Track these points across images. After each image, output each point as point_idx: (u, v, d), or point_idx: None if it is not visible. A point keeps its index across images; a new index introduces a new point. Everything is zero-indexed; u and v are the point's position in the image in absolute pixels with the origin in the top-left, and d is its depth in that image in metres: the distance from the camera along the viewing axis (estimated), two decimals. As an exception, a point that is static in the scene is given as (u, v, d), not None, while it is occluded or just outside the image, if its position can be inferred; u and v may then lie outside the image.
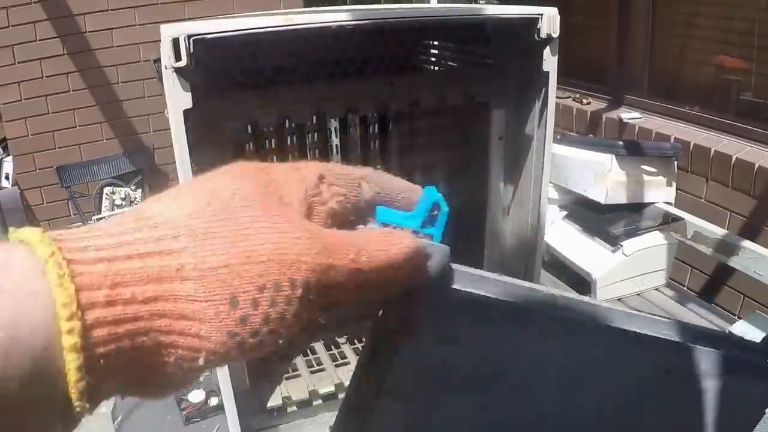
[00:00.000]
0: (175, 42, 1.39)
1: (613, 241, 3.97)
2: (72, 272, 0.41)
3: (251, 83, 2.08)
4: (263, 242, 0.48)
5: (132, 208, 0.50)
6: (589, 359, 0.69)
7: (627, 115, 4.82)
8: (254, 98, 1.83)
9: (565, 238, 4.28)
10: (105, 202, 5.59)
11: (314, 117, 2.29)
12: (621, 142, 4.32)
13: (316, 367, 2.39)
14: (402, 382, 0.65)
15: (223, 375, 1.93)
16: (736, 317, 3.87)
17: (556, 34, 1.73)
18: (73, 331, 0.39)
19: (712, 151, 4.07)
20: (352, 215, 0.61)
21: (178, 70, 1.43)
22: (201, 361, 0.46)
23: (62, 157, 5.64)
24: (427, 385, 0.69)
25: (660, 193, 4.29)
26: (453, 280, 0.62)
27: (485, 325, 0.66)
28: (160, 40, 1.44)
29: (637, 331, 0.67)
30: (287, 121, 2.36)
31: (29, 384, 0.38)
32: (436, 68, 2.51)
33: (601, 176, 4.20)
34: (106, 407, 4.00)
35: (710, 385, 0.70)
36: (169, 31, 1.40)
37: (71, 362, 0.39)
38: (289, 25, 1.50)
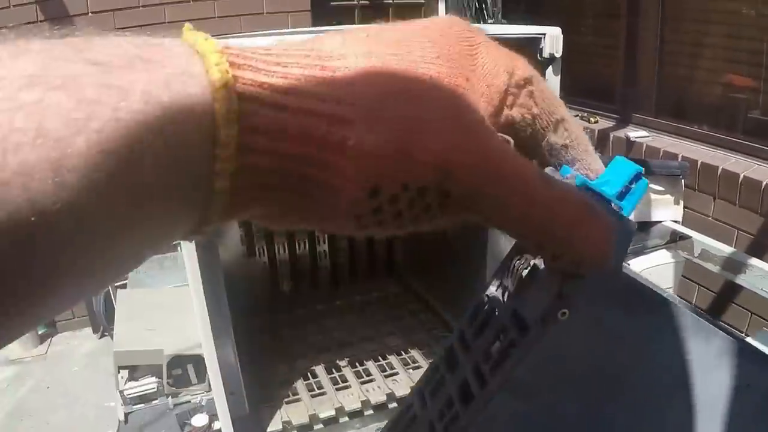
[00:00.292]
0: None
1: (621, 260, 4.00)
2: (242, 110, 0.40)
3: None
4: (431, 136, 0.44)
5: (316, 42, 0.47)
6: (700, 362, 0.66)
7: (635, 133, 4.89)
8: None
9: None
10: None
11: None
12: (628, 161, 4.35)
13: (317, 391, 2.34)
14: (532, 376, 0.58)
15: (220, 400, 1.95)
16: (744, 334, 3.92)
17: (558, 54, 1.74)
18: (224, 171, 0.40)
19: (720, 170, 4.15)
20: (523, 147, 0.55)
21: None
22: (322, 225, 0.48)
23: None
24: (559, 381, 0.62)
25: (667, 211, 4.33)
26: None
27: (638, 316, 0.63)
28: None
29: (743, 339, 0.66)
30: None
31: (175, 165, 0.38)
32: None
33: (609, 195, 4.26)
34: (109, 429, 4.09)
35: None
36: None
37: (218, 188, 0.41)
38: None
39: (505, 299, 0.62)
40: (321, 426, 2.26)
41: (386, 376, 2.38)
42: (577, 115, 5.49)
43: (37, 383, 5.19)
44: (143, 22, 5.35)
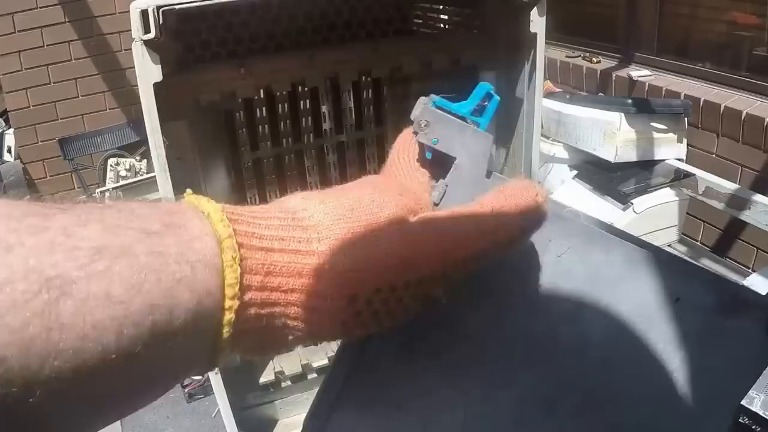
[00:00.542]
0: (144, 14, 1.39)
1: (624, 199, 4.00)
2: (241, 256, 0.51)
3: (228, 54, 2.07)
4: (390, 247, 0.58)
5: (284, 204, 0.61)
6: (605, 275, 0.72)
7: (637, 72, 4.86)
8: (231, 69, 1.84)
9: (575, 197, 4.31)
10: (109, 174, 5.60)
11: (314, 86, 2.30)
12: (630, 100, 4.36)
13: None
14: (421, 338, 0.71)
15: None
16: (750, 270, 3.93)
17: None
18: (232, 308, 0.50)
19: (722, 107, 4.13)
20: None
21: (147, 43, 1.44)
22: (313, 341, 0.60)
23: (65, 128, 5.64)
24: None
25: (670, 150, 4.34)
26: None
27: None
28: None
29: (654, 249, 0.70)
30: (300, 87, 2.40)
31: (190, 325, 0.48)
32: (422, 32, 2.49)
33: (611, 135, 4.25)
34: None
35: (717, 322, 0.69)
36: (137, 4, 1.40)
37: (225, 333, 0.51)
38: None
39: None
40: (315, 375, 2.27)
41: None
42: (579, 55, 5.46)
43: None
44: None
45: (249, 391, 2.20)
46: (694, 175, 3.94)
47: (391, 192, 0.64)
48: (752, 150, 3.98)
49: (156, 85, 1.51)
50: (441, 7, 2.34)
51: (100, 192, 5.24)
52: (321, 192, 0.64)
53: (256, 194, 2.76)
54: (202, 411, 3.87)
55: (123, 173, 5.61)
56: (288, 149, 2.67)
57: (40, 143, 5.69)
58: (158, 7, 1.40)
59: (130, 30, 1.43)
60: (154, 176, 1.64)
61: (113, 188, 5.34)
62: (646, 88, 4.71)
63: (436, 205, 0.71)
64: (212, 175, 2.58)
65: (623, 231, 0.73)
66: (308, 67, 1.87)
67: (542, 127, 4.77)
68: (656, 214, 4.00)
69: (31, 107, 5.56)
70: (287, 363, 2.23)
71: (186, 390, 3.74)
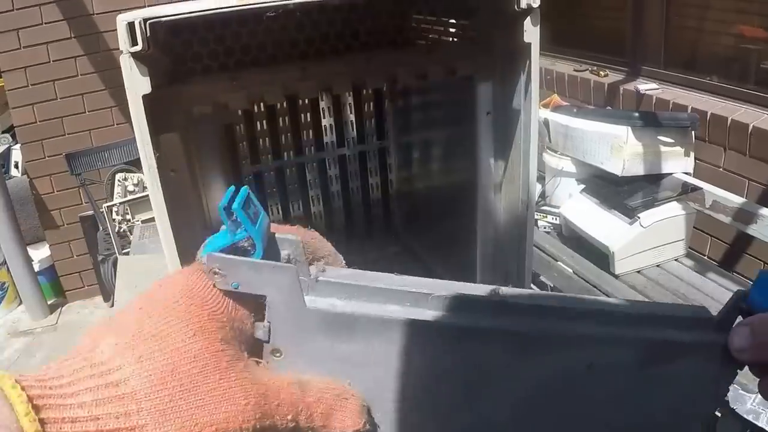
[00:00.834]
0: (131, 26, 1.40)
1: (631, 213, 4.02)
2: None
3: (220, 66, 2.11)
4: (212, 413, 0.57)
5: (94, 357, 0.58)
6: (489, 365, 0.70)
7: (644, 86, 4.87)
8: (222, 81, 1.83)
9: (582, 211, 4.34)
10: (117, 189, 5.61)
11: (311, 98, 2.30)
12: (637, 114, 4.39)
13: None
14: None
15: None
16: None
17: (536, 5, 1.71)
18: None
19: (729, 120, 4.13)
20: None
21: (134, 55, 1.44)
22: None
23: (72, 143, 5.63)
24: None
25: (678, 163, 4.35)
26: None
27: (348, 340, 0.70)
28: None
29: (542, 330, 0.68)
30: (299, 100, 2.40)
31: None
32: (417, 43, 2.50)
33: (618, 148, 4.27)
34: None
35: (646, 373, 0.69)
36: (124, 16, 1.41)
37: None
38: (242, 5, 1.51)
39: None
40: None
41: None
42: (587, 69, 5.47)
43: (48, 354, 5.24)
44: None
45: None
46: (702, 188, 3.95)
47: (211, 342, 0.61)
48: (759, 164, 3.98)
49: (146, 98, 1.51)
50: (435, 18, 2.34)
51: (108, 207, 5.26)
52: (136, 333, 0.59)
53: (257, 208, 2.77)
54: None
55: (131, 188, 5.62)
56: (289, 162, 2.69)
57: (47, 158, 5.69)
58: (145, 20, 1.42)
59: (131, 44, 1.44)
60: (161, 191, 1.64)
61: (120, 203, 5.37)
62: (654, 101, 4.71)
63: (267, 342, 0.70)
64: (212, 188, 2.60)
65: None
66: (301, 80, 1.87)
67: (550, 140, 4.81)
68: (663, 228, 4.01)
69: (38, 122, 5.57)
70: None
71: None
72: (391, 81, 2.02)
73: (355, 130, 2.73)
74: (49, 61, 5.42)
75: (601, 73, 5.35)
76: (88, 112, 5.65)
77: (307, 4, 1.57)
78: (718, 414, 2.48)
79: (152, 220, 5.25)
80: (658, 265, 4.11)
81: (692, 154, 4.37)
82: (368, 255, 2.89)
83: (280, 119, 2.57)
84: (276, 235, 0.74)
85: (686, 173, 4.32)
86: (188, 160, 1.84)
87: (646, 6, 5.08)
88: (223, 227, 0.68)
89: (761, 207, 3.62)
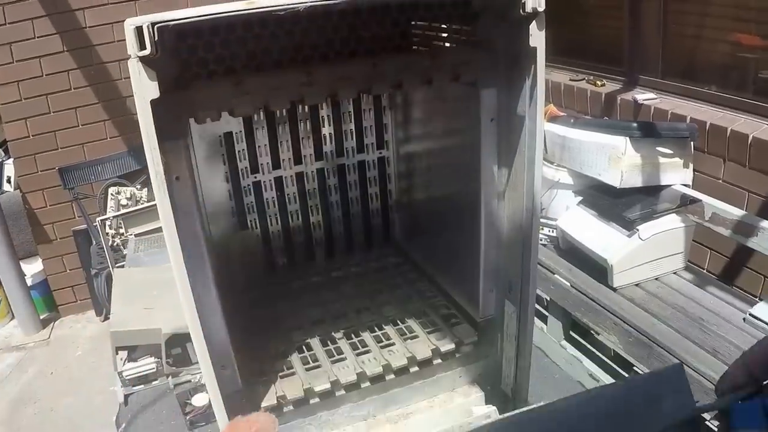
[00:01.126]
0: (139, 30, 1.41)
1: (629, 226, 4.01)
2: None
3: (226, 71, 2.11)
4: None
5: None
6: None
7: (642, 96, 4.87)
8: (228, 86, 1.84)
9: (580, 224, 4.34)
10: (110, 203, 5.59)
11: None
12: (635, 124, 4.37)
13: (312, 364, 2.36)
14: None
15: (208, 375, 1.94)
16: (757, 299, 3.91)
17: (542, 8, 1.71)
18: None
19: (729, 131, 4.12)
20: None
21: (143, 59, 1.45)
22: None
23: (65, 157, 5.63)
24: None
25: (676, 175, 4.34)
26: None
27: None
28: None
29: None
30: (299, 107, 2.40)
31: None
32: (421, 48, 2.52)
33: (616, 160, 4.26)
34: (114, 415, 4.10)
35: None
36: (132, 21, 1.42)
37: None
38: (249, 9, 1.51)
39: None
40: (317, 400, 2.28)
41: (382, 347, 2.39)
42: (583, 78, 5.48)
43: (40, 369, 5.24)
44: None
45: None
46: (701, 200, 3.94)
47: None
48: (759, 175, 3.97)
49: (153, 103, 1.51)
50: (439, 23, 2.34)
51: (101, 220, 5.25)
52: None
53: (256, 218, 2.78)
54: (204, 439, 3.86)
55: (124, 202, 5.60)
56: (288, 171, 2.69)
57: (39, 173, 5.68)
58: (153, 24, 1.42)
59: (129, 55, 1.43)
60: (155, 204, 1.64)
61: (114, 217, 5.35)
62: (652, 111, 4.71)
63: None
64: (213, 198, 2.60)
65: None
66: (307, 84, 1.86)
67: (546, 151, 4.80)
68: (662, 241, 4.00)
69: (31, 137, 5.56)
70: (289, 388, 2.23)
71: (188, 418, 3.72)
72: (396, 86, 2.01)
73: (354, 139, 2.73)
74: (42, 75, 5.42)
75: (597, 82, 5.35)
76: (81, 125, 5.64)
77: (312, 9, 1.56)
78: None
79: (146, 233, 5.27)
80: (656, 279, 4.09)
81: (691, 166, 4.37)
82: (369, 265, 2.90)
83: (280, 127, 2.57)
84: None
85: (685, 185, 4.31)
86: (189, 167, 1.83)
87: (643, 14, 5.09)
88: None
89: (761, 219, 3.63)
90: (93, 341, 5.53)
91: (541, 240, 4.65)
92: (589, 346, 4.20)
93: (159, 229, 4.89)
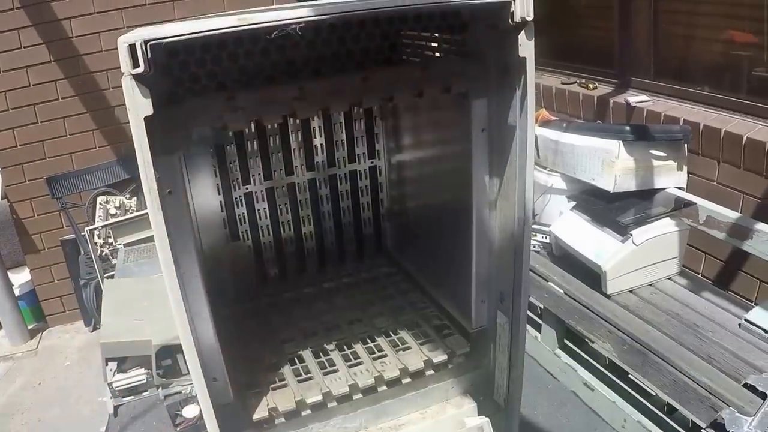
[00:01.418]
0: (132, 48, 1.41)
1: (623, 231, 4.01)
2: None
3: (218, 87, 2.13)
4: None
5: None
6: None
7: (634, 98, 4.89)
8: (220, 102, 1.85)
9: (573, 229, 4.35)
10: (99, 212, 5.57)
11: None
12: (628, 127, 4.38)
13: (304, 376, 2.35)
14: None
15: (200, 387, 1.93)
16: (752, 303, 3.92)
17: (530, 18, 1.71)
18: None
19: (723, 132, 4.14)
20: None
21: (136, 77, 1.46)
22: None
23: (53, 167, 5.63)
24: None
25: (670, 178, 4.35)
26: None
27: None
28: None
29: None
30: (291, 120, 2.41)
31: None
32: (411, 60, 2.52)
33: (609, 164, 4.27)
34: (102, 425, 4.11)
35: None
36: (125, 38, 1.42)
37: None
38: (242, 26, 1.52)
39: None
40: (309, 412, 2.27)
41: (374, 359, 2.38)
42: (575, 82, 5.50)
43: (28, 380, 5.22)
44: (125, 4, 5.35)
45: (242, 428, 2.17)
46: (695, 203, 3.95)
47: None
48: (754, 176, 3.99)
49: (147, 119, 1.52)
50: (429, 34, 2.35)
51: (90, 230, 5.25)
52: None
53: (247, 229, 2.78)
54: (195, 450, 3.87)
55: (112, 211, 5.59)
56: (280, 182, 2.70)
57: (27, 182, 5.66)
58: (146, 41, 1.42)
59: (118, 67, 1.44)
60: (144, 214, 1.66)
61: (102, 226, 5.35)
62: (645, 113, 4.74)
63: None
64: (204, 209, 2.61)
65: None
66: (299, 99, 1.87)
67: (539, 156, 4.81)
68: (656, 246, 4.01)
69: (19, 146, 5.55)
70: (281, 400, 2.23)
71: (178, 429, 3.73)
72: (387, 99, 2.02)
73: (346, 149, 2.74)
74: (29, 85, 5.41)
75: (589, 85, 5.38)
76: (69, 135, 5.63)
77: (303, 25, 1.57)
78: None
79: (135, 243, 5.27)
80: (651, 284, 4.10)
81: (685, 168, 4.38)
82: (361, 276, 2.90)
83: (271, 139, 2.58)
84: None
85: (679, 188, 4.33)
86: (182, 181, 1.84)
87: (633, 15, 5.11)
88: None
89: (757, 222, 3.64)
90: (81, 351, 5.52)
91: (534, 247, 4.67)
92: (583, 355, 4.22)
93: (149, 239, 4.89)
